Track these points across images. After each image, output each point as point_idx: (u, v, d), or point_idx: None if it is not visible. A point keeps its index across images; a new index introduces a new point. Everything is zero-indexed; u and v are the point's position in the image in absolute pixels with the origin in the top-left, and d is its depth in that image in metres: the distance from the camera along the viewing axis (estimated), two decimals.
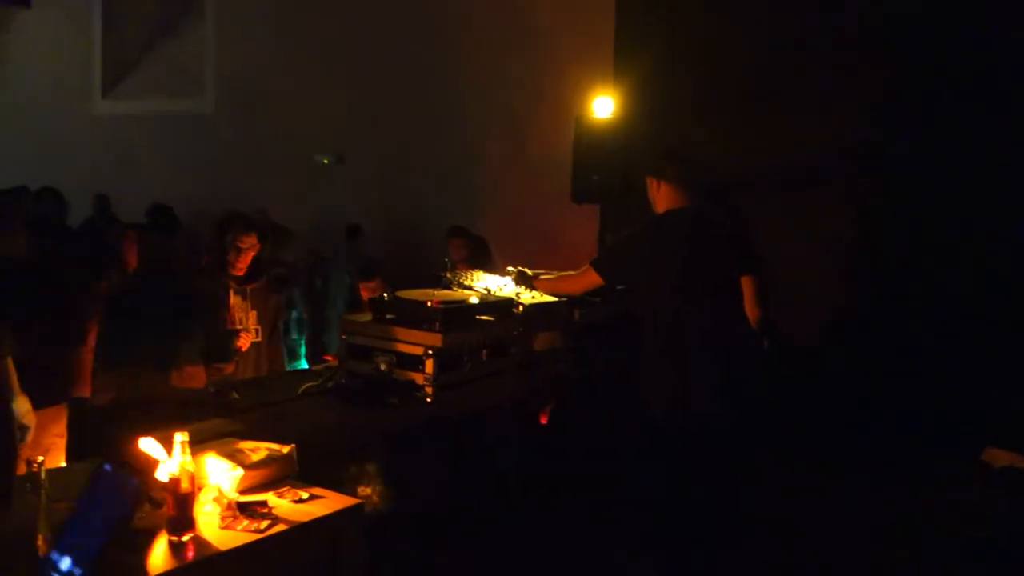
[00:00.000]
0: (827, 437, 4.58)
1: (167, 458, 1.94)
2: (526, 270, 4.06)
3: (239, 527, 2.03)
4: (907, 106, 4.87)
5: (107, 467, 1.60)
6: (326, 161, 7.30)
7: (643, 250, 3.59)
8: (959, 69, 4.68)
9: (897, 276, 4.92)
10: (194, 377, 3.63)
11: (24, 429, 3.20)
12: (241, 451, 2.35)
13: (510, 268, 4.37)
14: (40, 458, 2.02)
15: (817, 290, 5.05)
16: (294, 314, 6.32)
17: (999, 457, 3.85)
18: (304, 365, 6.09)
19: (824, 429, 4.63)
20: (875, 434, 4.54)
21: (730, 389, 3.48)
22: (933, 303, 4.74)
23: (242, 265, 4.40)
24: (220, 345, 4.03)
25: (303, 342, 6.42)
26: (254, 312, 4.49)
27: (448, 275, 4.01)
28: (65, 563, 1.57)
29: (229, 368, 4.14)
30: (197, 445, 2.14)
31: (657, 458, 3.55)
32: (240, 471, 2.23)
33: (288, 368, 5.41)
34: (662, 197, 3.64)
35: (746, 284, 3.63)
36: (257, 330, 4.50)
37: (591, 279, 3.68)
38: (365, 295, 5.22)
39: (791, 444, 4.24)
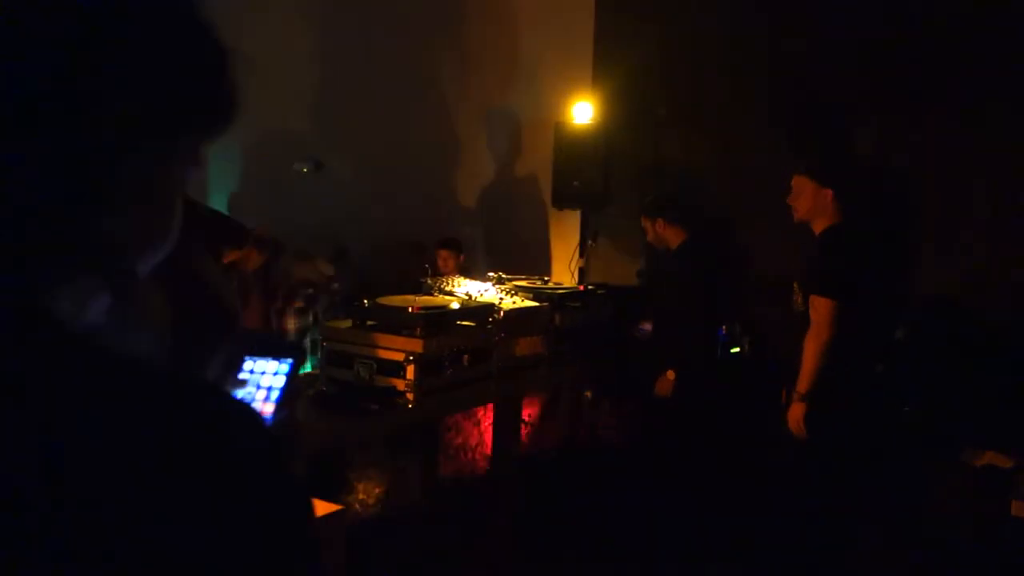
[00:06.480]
0: None
1: None
2: None
3: None
4: (893, 115, 4.87)
5: None
6: (305, 170, 7.23)
7: (850, 261, 3.74)
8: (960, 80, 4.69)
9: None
10: None
11: None
12: None
13: (491, 274, 4.37)
14: None
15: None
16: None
17: (978, 456, 3.88)
18: None
19: None
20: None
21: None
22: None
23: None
24: None
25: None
26: None
27: (429, 281, 4.00)
28: None
29: None
30: None
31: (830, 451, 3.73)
32: None
33: None
34: (831, 209, 3.76)
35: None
36: None
37: (827, 311, 3.60)
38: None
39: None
